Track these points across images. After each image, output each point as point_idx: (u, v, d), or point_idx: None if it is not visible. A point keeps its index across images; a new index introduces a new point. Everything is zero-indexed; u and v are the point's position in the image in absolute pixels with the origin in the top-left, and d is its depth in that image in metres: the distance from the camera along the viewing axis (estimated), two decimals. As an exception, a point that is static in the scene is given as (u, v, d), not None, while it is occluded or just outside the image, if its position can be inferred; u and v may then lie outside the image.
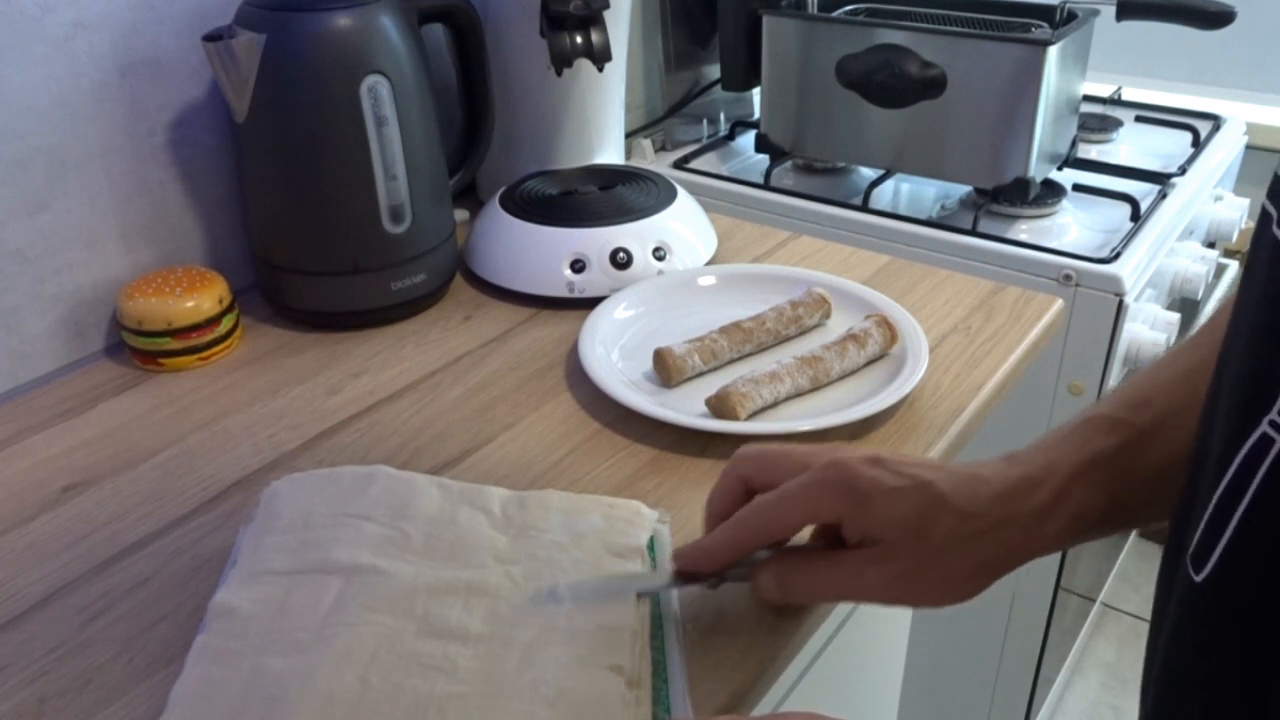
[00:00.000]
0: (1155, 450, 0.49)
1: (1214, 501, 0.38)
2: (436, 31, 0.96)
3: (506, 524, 0.59)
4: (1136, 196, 1.21)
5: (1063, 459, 0.51)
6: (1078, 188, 1.26)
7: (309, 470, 0.63)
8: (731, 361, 0.77)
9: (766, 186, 1.31)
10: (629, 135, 1.31)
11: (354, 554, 0.55)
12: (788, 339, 0.80)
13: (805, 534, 0.55)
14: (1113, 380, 1.15)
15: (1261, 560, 0.36)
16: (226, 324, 0.81)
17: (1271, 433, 0.35)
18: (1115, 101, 1.56)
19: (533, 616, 0.52)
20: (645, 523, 0.59)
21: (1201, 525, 0.38)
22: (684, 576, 0.54)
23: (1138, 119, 1.50)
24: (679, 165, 1.38)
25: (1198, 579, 0.38)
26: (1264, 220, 0.37)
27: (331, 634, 0.51)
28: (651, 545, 0.58)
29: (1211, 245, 1.41)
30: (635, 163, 1.28)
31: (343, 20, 0.78)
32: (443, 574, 0.55)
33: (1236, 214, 1.42)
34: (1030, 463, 0.51)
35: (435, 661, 0.50)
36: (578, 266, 0.87)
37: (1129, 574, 1.86)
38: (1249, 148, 1.49)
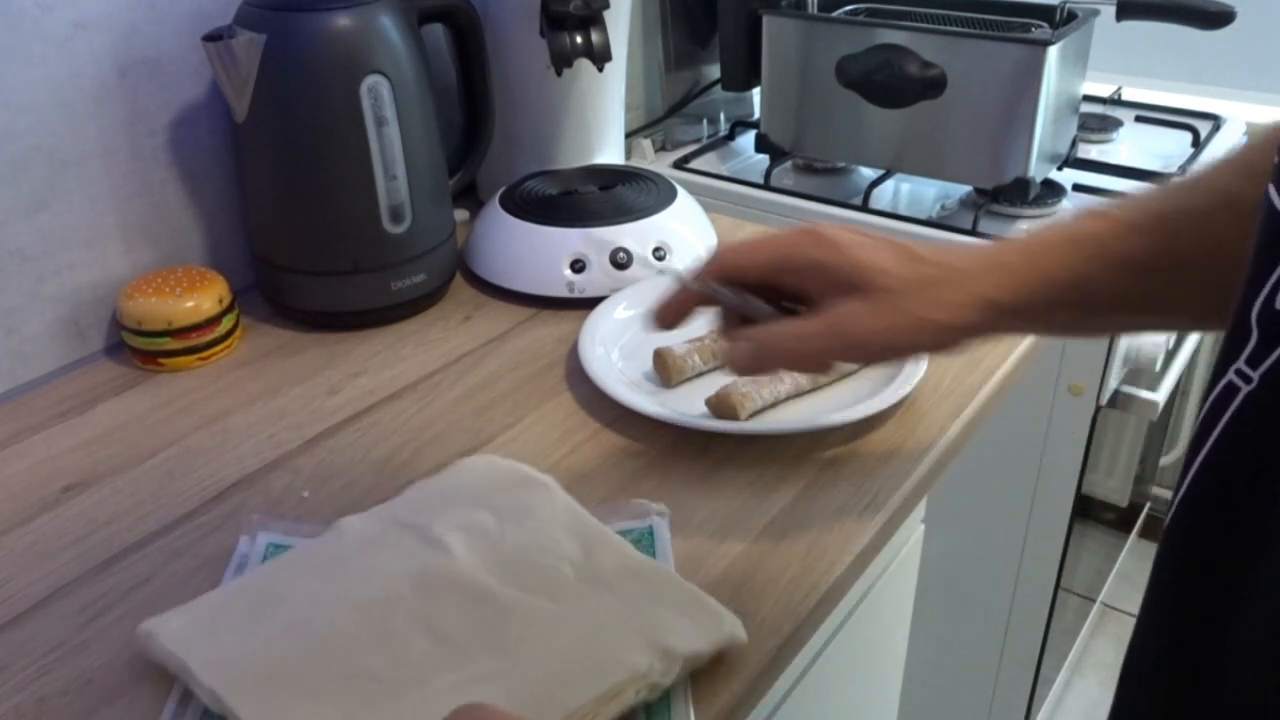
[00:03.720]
0: (1131, 247, 0.50)
1: (1187, 449, 0.39)
2: (436, 31, 0.96)
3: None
4: (1136, 196, 1.21)
5: (1046, 229, 0.52)
6: (1078, 188, 1.26)
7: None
8: (731, 361, 0.77)
9: (766, 186, 1.31)
10: (629, 135, 1.31)
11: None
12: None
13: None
14: (1113, 381, 1.15)
15: (1209, 504, 0.37)
16: (226, 324, 0.81)
17: (1237, 380, 0.36)
18: (1115, 101, 1.56)
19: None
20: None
21: (1178, 474, 0.39)
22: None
23: (1138, 119, 1.50)
24: (679, 165, 1.38)
25: (1167, 524, 0.40)
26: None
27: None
28: (651, 538, 0.59)
29: (1211, 245, 1.41)
30: (635, 163, 1.28)
31: (343, 20, 0.78)
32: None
33: (1236, 214, 1.42)
34: (1009, 238, 0.53)
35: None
36: (578, 266, 0.87)
37: (1129, 574, 1.86)
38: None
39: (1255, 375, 0.35)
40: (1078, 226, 0.52)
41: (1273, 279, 0.34)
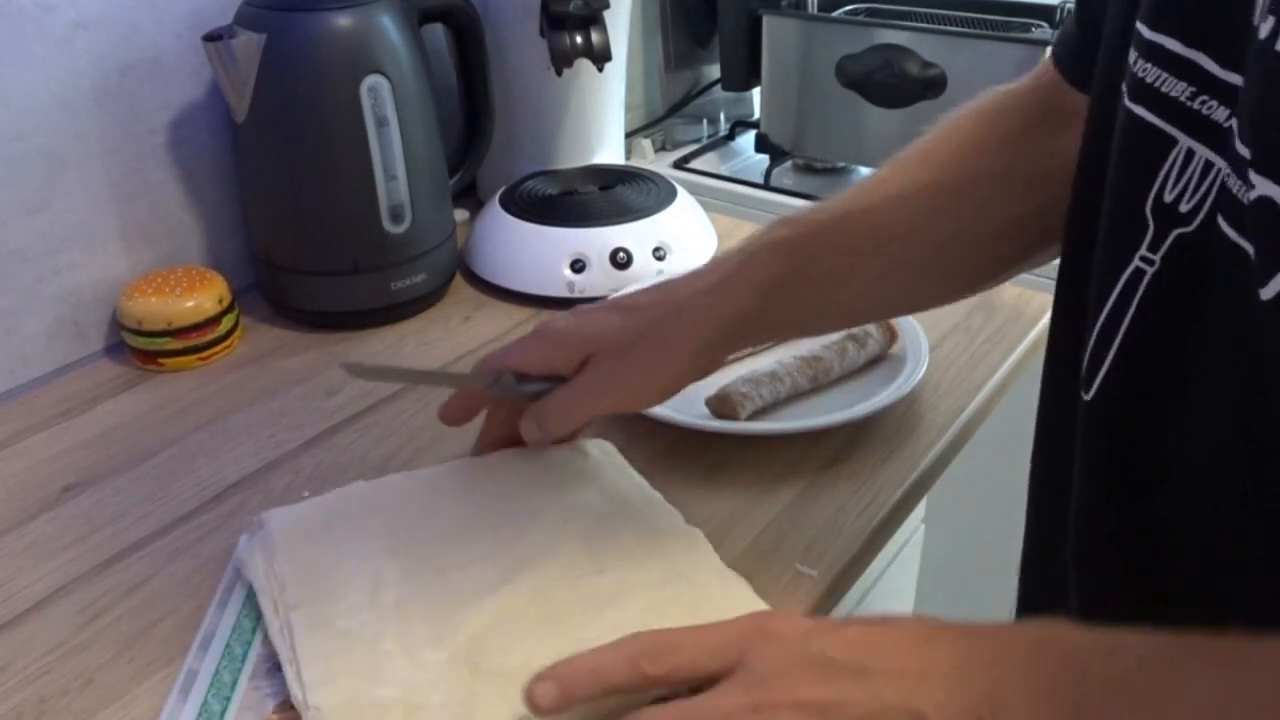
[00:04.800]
0: (831, 238, 0.57)
1: (1096, 330, 0.45)
2: (436, 31, 0.96)
3: None
4: (1136, 196, 1.20)
5: (744, 245, 0.58)
6: (1078, 188, 1.26)
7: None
8: (732, 362, 0.77)
9: (766, 186, 1.31)
10: (629, 135, 1.31)
11: None
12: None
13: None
14: (1113, 380, 1.15)
15: (1138, 378, 0.44)
16: (226, 324, 0.81)
17: (1142, 265, 0.43)
18: (1115, 101, 1.55)
19: None
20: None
21: (1088, 352, 0.46)
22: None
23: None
24: (679, 165, 1.38)
25: (1087, 398, 0.46)
26: (1115, 94, 0.45)
27: None
28: None
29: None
30: (635, 163, 1.28)
31: (343, 20, 0.78)
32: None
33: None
34: (714, 258, 0.59)
35: None
36: (578, 266, 0.87)
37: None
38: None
39: (1157, 258, 0.43)
40: (774, 235, 0.58)
41: (1158, 180, 0.42)
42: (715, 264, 0.58)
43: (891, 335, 0.76)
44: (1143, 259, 0.43)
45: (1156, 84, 0.42)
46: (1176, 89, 0.41)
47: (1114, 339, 0.44)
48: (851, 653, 0.40)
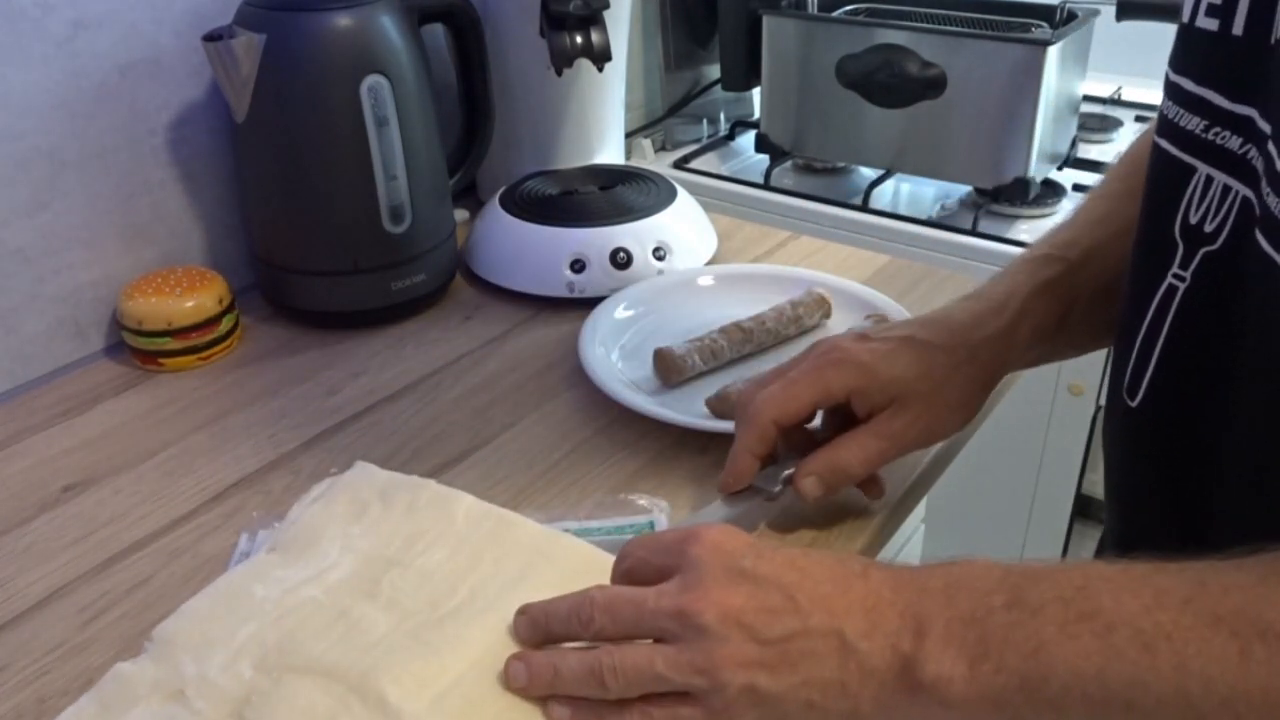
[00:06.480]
0: (1086, 278, 0.60)
1: (1138, 342, 0.50)
2: (436, 31, 0.96)
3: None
4: (1136, 196, 1.21)
5: (1018, 287, 0.60)
6: (1078, 188, 1.26)
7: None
8: (731, 362, 0.77)
9: (766, 186, 1.31)
10: (629, 135, 1.31)
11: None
12: (788, 339, 0.80)
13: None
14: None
15: (1178, 386, 0.49)
16: (226, 324, 0.81)
17: (1175, 282, 0.48)
18: (1115, 101, 1.56)
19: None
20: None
21: (1131, 362, 0.51)
22: (736, 497, 0.58)
23: (1138, 119, 1.50)
24: (679, 165, 1.38)
25: (1133, 405, 0.51)
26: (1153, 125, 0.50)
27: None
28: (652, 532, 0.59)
29: (1211, 245, 1.41)
30: (635, 163, 1.28)
31: (343, 20, 0.78)
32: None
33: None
34: (990, 296, 0.61)
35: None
36: (578, 266, 0.87)
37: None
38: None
39: (1188, 275, 0.47)
40: (1047, 271, 0.60)
41: (1182, 205, 0.47)
42: (995, 303, 0.60)
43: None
44: (1175, 276, 0.48)
45: (1176, 119, 0.48)
46: (1191, 123, 0.47)
47: (1154, 349, 0.49)
48: (785, 574, 0.44)
